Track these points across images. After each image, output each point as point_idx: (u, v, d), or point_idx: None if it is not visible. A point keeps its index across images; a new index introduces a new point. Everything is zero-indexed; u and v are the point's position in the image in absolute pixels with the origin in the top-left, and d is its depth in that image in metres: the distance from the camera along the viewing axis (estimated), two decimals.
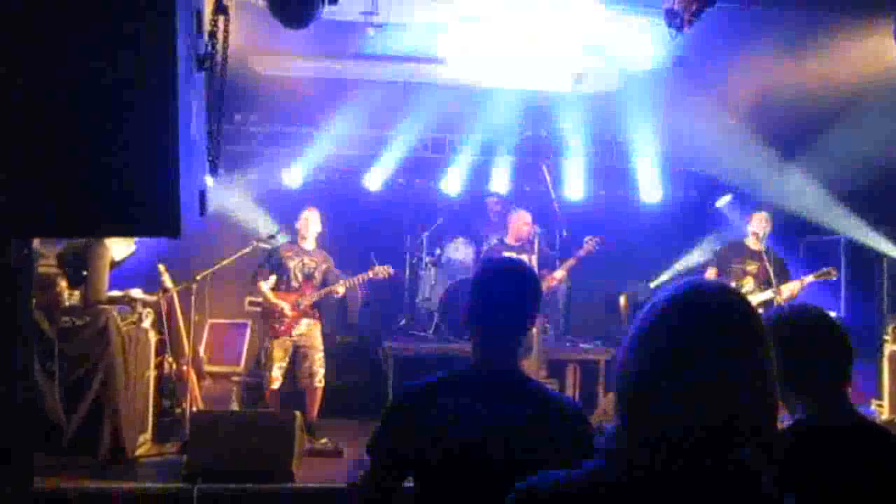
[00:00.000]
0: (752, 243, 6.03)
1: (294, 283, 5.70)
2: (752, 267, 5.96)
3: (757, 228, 5.97)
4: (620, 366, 1.15)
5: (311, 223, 5.77)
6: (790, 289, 5.76)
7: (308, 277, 5.73)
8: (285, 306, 5.60)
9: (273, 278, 5.71)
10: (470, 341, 1.91)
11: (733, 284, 5.97)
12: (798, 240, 7.87)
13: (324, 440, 5.43)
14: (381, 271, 5.93)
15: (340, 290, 5.76)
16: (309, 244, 5.80)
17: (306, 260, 5.75)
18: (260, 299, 5.86)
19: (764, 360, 1.09)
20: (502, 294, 1.86)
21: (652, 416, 1.09)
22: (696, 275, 6.32)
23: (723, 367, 1.07)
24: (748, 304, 1.14)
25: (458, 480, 1.74)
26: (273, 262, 5.70)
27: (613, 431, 1.14)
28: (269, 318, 5.68)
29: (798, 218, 7.36)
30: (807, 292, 5.87)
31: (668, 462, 1.06)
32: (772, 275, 5.81)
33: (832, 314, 1.89)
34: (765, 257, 5.91)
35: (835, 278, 5.85)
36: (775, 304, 5.60)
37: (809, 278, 5.79)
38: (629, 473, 1.08)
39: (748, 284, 5.93)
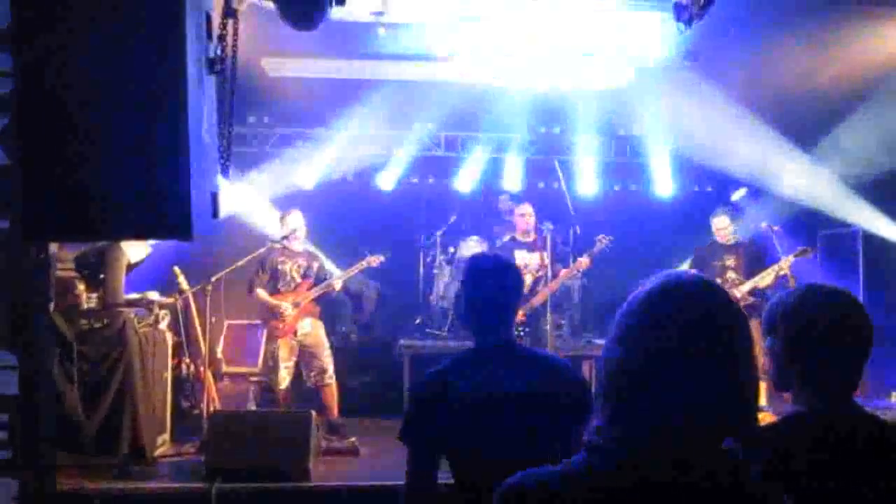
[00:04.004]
0: (722, 240, 6.27)
1: (293, 284, 5.75)
2: (730, 261, 6.18)
3: (719, 228, 6.25)
4: (603, 362, 1.15)
5: (300, 227, 5.82)
6: (773, 272, 5.90)
7: (304, 276, 5.80)
8: (287, 305, 5.65)
9: (269, 284, 5.76)
10: (471, 330, 2.22)
11: (717, 281, 6.02)
12: (815, 232, 7.79)
13: (352, 439, 5.43)
14: (374, 260, 5.97)
15: (337, 284, 5.81)
16: (298, 246, 5.85)
17: (300, 261, 5.83)
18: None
19: (743, 352, 1.10)
20: (488, 281, 2.20)
21: (635, 412, 1.10)
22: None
23: (706, 362, 1.07)
24: (725, 294, 1.15)
25: (481, 437, 2.03)
26: (267, 269, 5.75)
27: (596, 427, 1.14)
28: (271, 320, 5.72)
29: (814, 210, 7.30)
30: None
31: (652, 457, 1.07)
32: (755, 259, 6.08)
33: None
34: (740, 249, 6.20)
35: (810, 256, 6.04)
36: (760, 288, 5.92)
37: (790, 258, 5.88)
38: (613, 470, 1.08)
39: (731, 277, 6.13)
